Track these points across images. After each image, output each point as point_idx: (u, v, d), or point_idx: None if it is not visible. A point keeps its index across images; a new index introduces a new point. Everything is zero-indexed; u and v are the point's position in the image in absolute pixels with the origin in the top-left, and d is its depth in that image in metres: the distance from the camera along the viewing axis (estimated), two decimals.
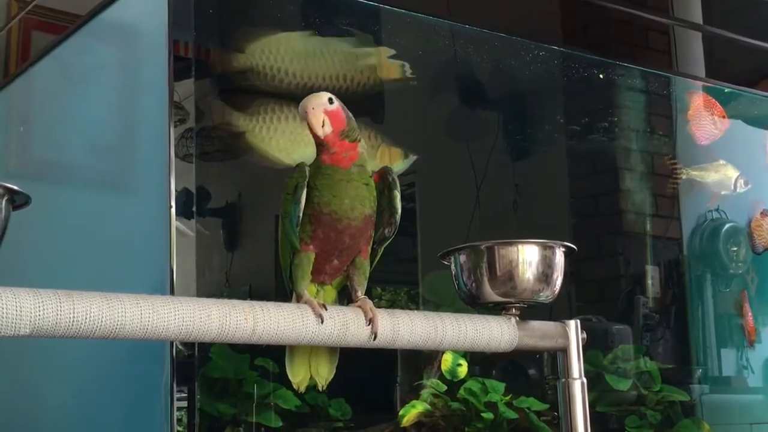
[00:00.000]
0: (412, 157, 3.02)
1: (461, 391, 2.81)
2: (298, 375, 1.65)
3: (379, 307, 1.58)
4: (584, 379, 1.76)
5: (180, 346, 2.17)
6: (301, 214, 1.56)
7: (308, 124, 1.55)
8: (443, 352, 2.85)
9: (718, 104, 3.66)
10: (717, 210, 3.74)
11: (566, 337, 1.76)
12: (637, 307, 3.48)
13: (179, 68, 2.29)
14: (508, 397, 2.82)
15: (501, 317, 1.71)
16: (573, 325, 1.77)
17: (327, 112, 1.55)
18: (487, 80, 3.48)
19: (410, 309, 2.49)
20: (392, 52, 3.08)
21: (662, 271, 3.65)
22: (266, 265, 2.80)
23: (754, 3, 3.82)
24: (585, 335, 1.78)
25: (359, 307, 1.56)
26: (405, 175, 3.02)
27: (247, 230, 2.99)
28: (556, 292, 1.73)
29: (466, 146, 3.41)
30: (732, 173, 3.70)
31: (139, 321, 1.33)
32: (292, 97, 2.65)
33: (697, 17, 3.65)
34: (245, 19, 2.87)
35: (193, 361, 2.25)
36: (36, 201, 1.36)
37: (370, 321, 1.54)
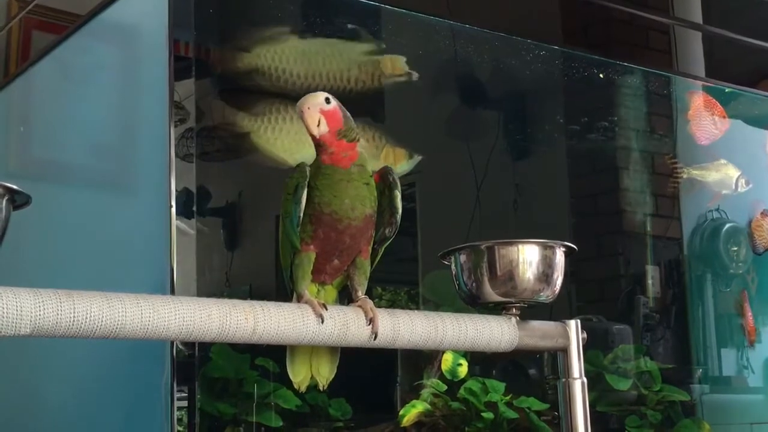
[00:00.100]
0: (417, 158, 3.02)
1: (461, 391, 2.81)
2: (299, 375, 1.64)
3: (380, 307, 1.58)
4: (584, 379, 1.76)
5: (180, 346, 2.17)
6: (301, 214, 1.56)
7: (304, 123, 1.55)
8: (443, 352, 2.85)
9: (718, 104, 3.66)
10: (717, 210, 3.74)
11: (566, 336, 1.76)
12: (638, 306, 3.48)
13: (179, 68, 2.29)
14: (508, 397, 2.82)
15: (501, 317, 1.71)
16: (573, 325, 1.76)
17: (323, 112, 1.55)
18: (487, 80, 3.48)
19: (410, 309, 2.49)
20: (393, 51, 3.07)
21: (662, 271, 3.65)
22: (266, 264, 2.80)
23: (754, 3, 3.82)
24: (585, 335, 1.77)
25: (359, 306, 1.56)
26: (405, 174, 3.02)
27: (247, 230, 2.99)
28: (557, 291, 1.73)
29: (466, 146, 3.41)
30: (733, 172, 3.70)
31: (140, 321, 1.33)
32: (297, 97, 2.65)
33: (697, 17, 3.65)
34: (246, 19, 2.87)
35: (194, 360, 2.26)
36: (36, 201, 1.36)
37: (371, 321, 1.54)
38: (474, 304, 1.74)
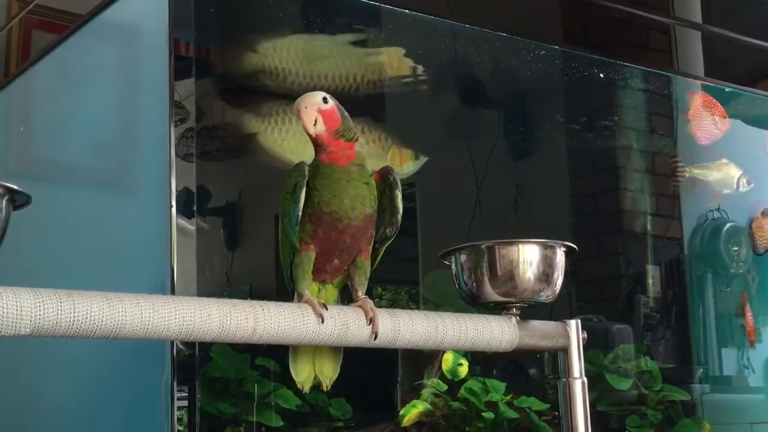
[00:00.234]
0: (423, 159, 3.02)
1: (462, 391, 2.81)
2: (302, 374, 1.64)
3: (380, 306, 1.58)
4: (585, 379, 1.76)
5: (180, 346, 2.17)
6: (300, 214, 1.56)
7: (301, 122, 1.56)
8: (444, 352, 2.85)
9: (718, 104, 3.66)
10: (718, 209, 3.74)
11: (567, 336, 1.75)
12: (638, 306, 3.48)
13: (180, 68, 2.29)
14: (508, 397, 2.82)
15: (502, 317, 1.71)
16: (574, 325, 1.76)
17: (321, 111, 1.56)
18: (487, 80, 3.48)
19: (411, 309, 2.49)
20: (394, 50, 3.07)
21: (663, 271, 3.65)
22: (267, 264, 2.80)
23: (754, 3, 3.82)
24: (585, 335, 1.77)
25: (360, 306, 1.56)
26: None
27: (247, 230, 2.99)
28: (557, 291, 1.73)
29: (466, 146, 3.40)
30: (734, 172, 3.70)
31: (140, 320, 1.33)
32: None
33: (697, 17, 3.65)
34: (246, 19, 2.87)
35: (194, 360, 2.25)
36: (36, 201, 1.36)
37: (371, 320, 1.54)
38: (474, 303, 1.74)
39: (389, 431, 2.80)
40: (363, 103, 3.04)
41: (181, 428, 2.20)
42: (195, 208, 2.34)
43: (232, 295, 2.25)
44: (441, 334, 1.61)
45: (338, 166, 1.56)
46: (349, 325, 1.52)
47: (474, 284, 1.71)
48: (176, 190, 2.22)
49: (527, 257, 1.69)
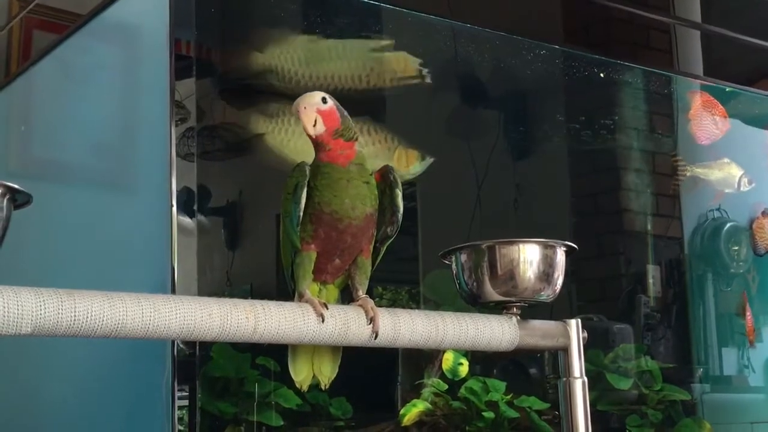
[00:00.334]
0: (429, 159, 3.02)
1: (462, 390, 2.81)
2: (301, 374, 1.64)
3: (380, 306, 1.58)
4: (585, 378, 1.76)
5: (181, 345, 2.18)
6: (301, 214, 1.56)
7: (301, 123, 1.56)
8: (444, 351, 2.85)
9: (719, 104, 3.66)
10: (718, 209, 3.74)
11: (567, 336, 1.76)
12: (638, 306, 3.48)
13: (180, 67, 2.29)
14: (509, 396, 2.82)
15: (502, 316, 1.71)
16: (574, 324, 1.76)
17: (320, 112, 1.56)
18: (488, 79, 3.48)
19: (411, 308, 2.49)
20: (394, 50, 3.07)
21: (663, 271, 3.65)
22: (267, 264, 2.80)
23: (754, 2, 3.82)
24: (586, 334, 1.77)
25: (360, 306, 1.56)
26: None
27: (248, 229, 2.99)
28: (557, 291, 1.73)
29: (467, 145, 3.40)
30: (736, 171, 3.70)
31: (141, 320, 1.33)
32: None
33: (697, 16, 3.65)
34: (247, 18, 2.87)
35: (194, 360, 2.26)
36: (37, 200, 1.36)
37: (371, 320, 1.54)
38: (475, 303, 1.74)
39: (389, 431, 2.80)
40: (364, 103, 3.03)
41: (181, 428, 2.20)
42: (196, 207, 2.34)
43: (232, 295, 2.26)
44: (441, 333, 1.61)
45: (338, 165, 1.57)
46: (349, 324, 1.53)
47: (474, 284, 1.71)
48: (177, 190, 2.22)
49: (528, 257, 1.69)
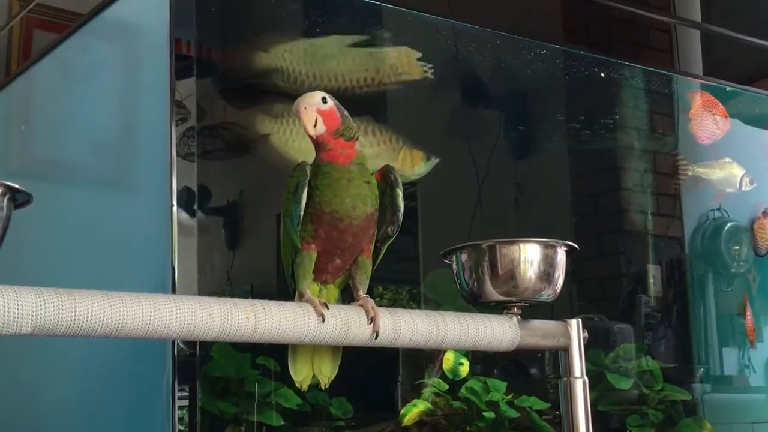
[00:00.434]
0: (434, 160, 3.02)
1: (463, 390, 2.81)
2: (301, 373, 1.64)
3: (381, 306, 1.58)
4: (586, 378, 1.76)
5: (181, 345, 2.17)
6: (302, 213, 1.56)
7: (301, 123, 1.56)
8: (445, 351, 2.85)
9: (720, 104, 3.66)
10: (719, 209, 3.74)
11: (568, 336, 1.75)
12: (639, 306, 3.48)
13: (181, 67, 2.29)
14: (509, 396, 2.82)
15: (503, 316, 1.71)
16: (574, 324, 1.76)
17: (320, 112, 1.56)
18: (488, 79, 3.48)
19: (412, 308, 2.49)
20: (404, 51, 3.07)
21: (664, 270, 3.65)
22: (268, 263, 2.80)
23: (754, 2, 3.82)
24: (586, 334, 1.77)
25: (361, 305, 1.56)
26: None
27: (248, 229, 2.99)
28: (558, 291, 1.73)
29: (467, 145, 3.40)
30: (737, 171, 3.70)
31: (141, 319, 1.33)
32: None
33: (697, 16, 3.65)
34: (248, 18, 2.87)
35: (195, 359, 2.26)
36: (37, 200, 1.36)
37: (372, 320, 1.54)
38: (475, 303, 1.74)
39: (390, 431, 2.80)
40: (365, 103, 3.03)
41: (182, 428, 2.20)
42: (196, 207, 2.34)
43: (233, 295, 2.25)
44: (442, 333, 1.61)
45: (338, 164, 1.57)
46: (350, 324, 1.52)
47: (475, 283, 1.71)
48: (177, 190, 2.22)
49: (528, 256, 1.69)
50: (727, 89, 3.72)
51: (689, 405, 3.32)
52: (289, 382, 1.69)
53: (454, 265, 1.75)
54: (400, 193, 1.63)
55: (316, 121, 1.55)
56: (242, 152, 2.94)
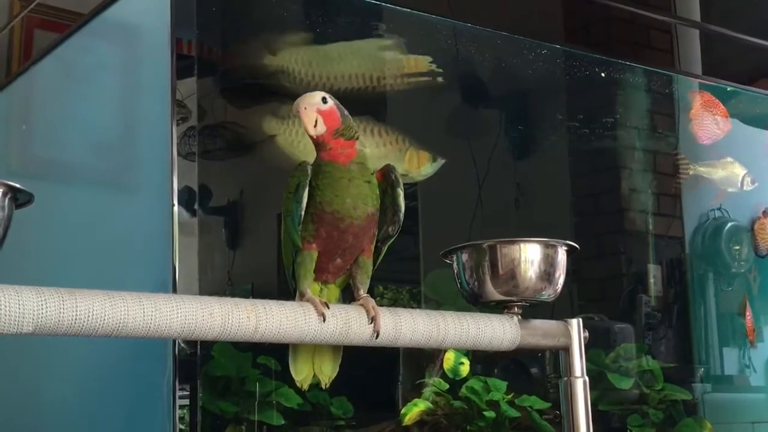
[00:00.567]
0: (440, 161, 3.02)
1: (463, 390, 2.81)
2: (302, 373, 1.64)
3: (381, 305, 1.58)
4: (586, 378, 1.76)
5: (182, 345, 2.18)
6: (303, 213, 1.56)
7: (302, 123, 1.57)
8: (445, 351, 2.85)
9: (720, 104, 3.66)
10: (719, 209, 3.74)
11: (568, 335, 1.75)
12: (639, 305, 3.48)
13: (181, 66, 2.30)
14: (510, 396, 2.82)
15: (503, 316, 1.71)
16: (575, 324, 1.76)
17: (320, 112, 1.56)
18: (488, 79, 3.48)
19: (412, 308, 2.49)
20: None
21: (664, 270, 3.65)
22: (268, 263, 2.80)
23: (754, 2, 3.82)
24: (587, 334, 1.77)
25: (361, 305, 1.56)
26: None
27: (249, 228, 2.99)
28: (559, 290, 1.73)
29: (468, 145, 3.40)
30: (739, 170, 3.70)
31: (142, 319, 1.33)
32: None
33: (697, 15, 3.65)
34: (248, 18, 2.87)
35: (196, 359, 2.26)
36: (38, 199, 1.36)
37: (373, 319, 1.54)
38: (476, 302, 1.74)
39: (390, 430, 2.80)
40: (365, 102, 3.03)
41: (182, 427, 2.20)
42: (197, 207, 2.34)
43: (233, 294, 2.25)
44: (443, 333, 1.61)
45: (339, 164, 1.57)
46: (350, 323, 1.53)
47: (475, 283, 1.71)
48: (178, 189, 2.22)
49: (529, 256, 1.69)
50: (728, 89, 3.72)
51: (690, 405, 3.32)
52: (289, 381, 1.70)
53: (455, 265, 1.75)
54: (401, 192, 1.63)
55: (316, 121, 1.56)
56: (243, 152, 2.94)
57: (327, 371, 1.65)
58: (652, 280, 3.58)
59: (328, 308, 1.51)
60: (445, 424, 2.79)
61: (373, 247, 1.63)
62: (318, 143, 1.58)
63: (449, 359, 2.87)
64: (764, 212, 3.77)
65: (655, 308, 3.53)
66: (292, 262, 1.61)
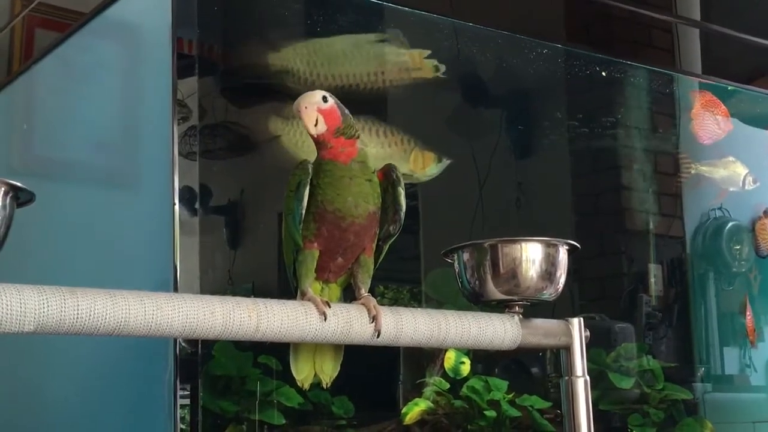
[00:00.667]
0: (446, 161, 3.02)
1: (464, 389, 2.81)
2: (303, 372, 1.65)
3: (382, 305, 1.58)
4: (587, 377, 1.76)
5: (183, 344, 2.18)
6: (303, 212, 1.57)
7: (302, 122, 1.57)
8: (446, 350, 2.85)
9: (721, 103, 3.66)
10: (720, 208, 3.73)
11: (569, 335, 1.75)
12: (640, 305, 3.48)
13: (183, 66, 2.30)
14: (510, 395, 2.82)
15: (504, 315, 1.71)
16: (576, 323, 1.76)
17: (321, 111, 1.56)
18: (489, 78, 3.48)
19: (413, 307, 2.48)
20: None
21: (665, 270, 3.65)
22: (269, 262, 2.80)
23: (754, 1, 3.82)
24: (588, 333, 1.77)
25: (363, 304, 1.56)
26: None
27: (250, 227, 2.99)
28: (560, 290, 1.73)
29: (469, 144, 3.40)
30: (741, 170, 3.70)
31: (143, 318, 1.33)
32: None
33: (697, 15, 3.65)
34: (249, 17, 2.87)
35: (197, 358, 2.26)
36: (40, 198, 1.36)
37: (374, 318, 1.54)
38: (477, 302, 1.74)
39: (391, 429, 2.80)
40: (369, 102, 3.03)
41: (183, 426, 2.20)
42: (198, 206, 2.34)
43: (234, 293, 2.25)
44: (444, 332, 1.61)
45: (339, 162, 1.57)
46: (352, 322, 1.53)
47: (477, 282, 1.71)
48: (179, 188, 2.22)
49: (530, 255, 1.69)
50: (729, 88, 3.71)
51: (690, 404, 3.32)
52: (290, 380, 1.70)
53: (456, 264, 1.75)
54: (402, 191, 1.63)
55: (317, 120, 1.56)
56: (244, 151, 2.94)
57: (328, 370, 1.65)
58: (652, 280, 3.58)
59: (330, 307, 1.51)
60: (446, 423, 2.79)
61: (374, 246, 1.63)
62: (319, 142, 1.58)
63: (450, 359, 2.87)
64: (765, 212, 3.77)
65: (655, 308, 3.53)
66: (293, 261, 1.61)
